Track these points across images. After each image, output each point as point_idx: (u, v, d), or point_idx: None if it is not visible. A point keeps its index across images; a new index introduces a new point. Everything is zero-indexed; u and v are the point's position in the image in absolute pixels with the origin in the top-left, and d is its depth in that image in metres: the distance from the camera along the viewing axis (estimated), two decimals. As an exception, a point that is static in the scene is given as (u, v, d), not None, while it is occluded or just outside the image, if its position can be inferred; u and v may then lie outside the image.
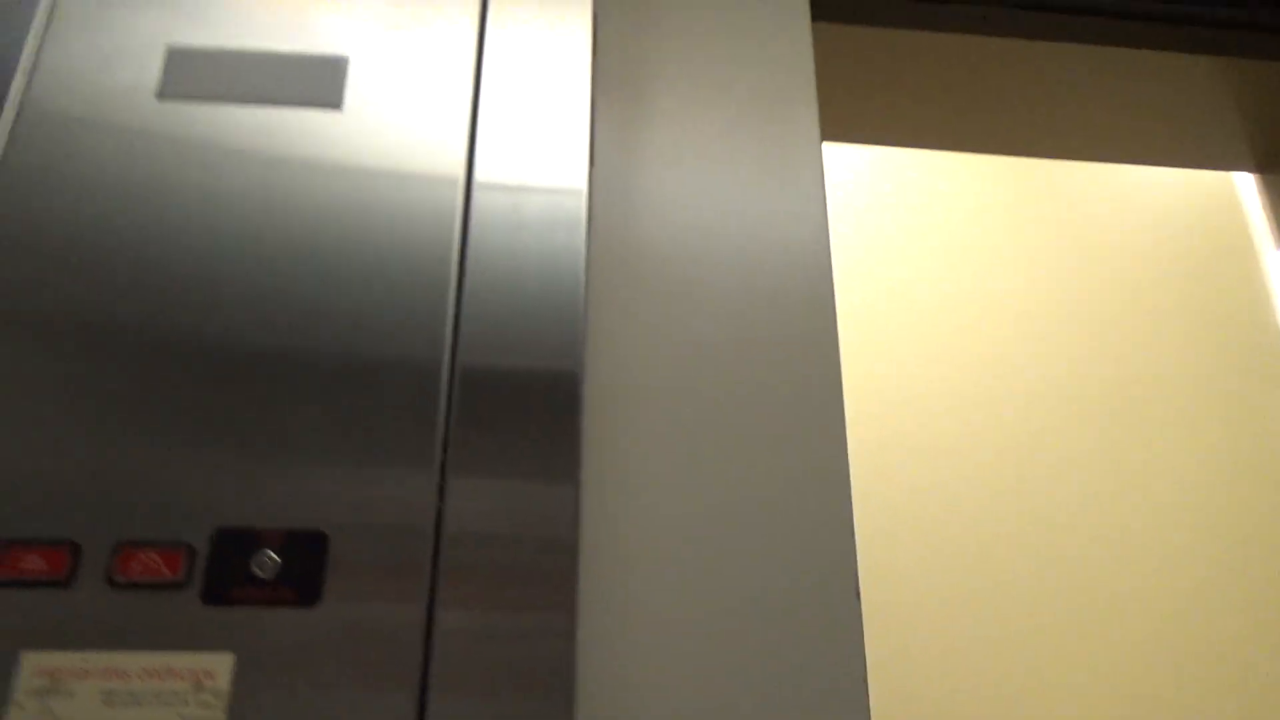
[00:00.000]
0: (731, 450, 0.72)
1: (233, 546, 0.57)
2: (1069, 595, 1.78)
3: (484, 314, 0.63)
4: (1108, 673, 1.70)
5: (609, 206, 0.81)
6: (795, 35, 0.91)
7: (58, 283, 0.61)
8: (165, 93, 0.68)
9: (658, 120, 0.86)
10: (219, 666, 0.54)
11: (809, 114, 0.88)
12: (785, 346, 0.76)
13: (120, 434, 0.59)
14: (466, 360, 0.62)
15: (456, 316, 0.63)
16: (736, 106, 0.88)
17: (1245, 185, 2.00)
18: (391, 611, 0.56)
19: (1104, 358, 1.95)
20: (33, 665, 0.53)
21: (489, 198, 0.67)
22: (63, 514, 0.57)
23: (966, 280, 1.94)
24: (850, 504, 0.71)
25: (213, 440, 0.59)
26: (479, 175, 0.68)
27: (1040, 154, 1.43)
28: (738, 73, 0.89)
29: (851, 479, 0.74)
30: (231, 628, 0.55)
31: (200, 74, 0.69)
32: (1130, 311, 1.99)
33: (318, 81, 0.69)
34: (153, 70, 0.68)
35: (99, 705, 0.52)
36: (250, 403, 0.60)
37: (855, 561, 0.68)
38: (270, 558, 0.56)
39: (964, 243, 2.00)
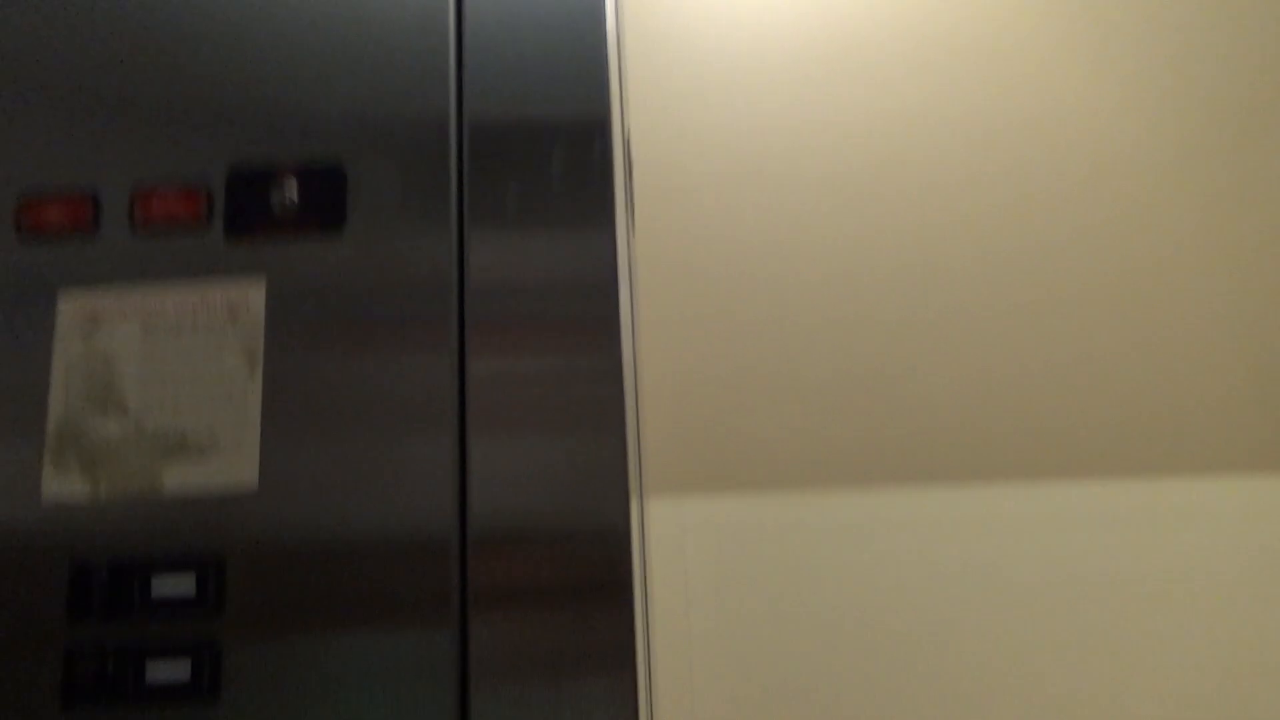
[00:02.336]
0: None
1: (250, 182, 0.55)
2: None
3: (491, 61, 0.57)
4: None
5: None
6: None
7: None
8: None
9: None
10: (251, 294, 0.53)
11: None
12: None
13: (128, 81, 0.56)
14: (476, 110, 0.57)
15: (459, 65, 0.57)
16: None
17: None
18: (419, 245, 0.54)
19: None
20: (71, 307, 0.53)
21: None
22: (76, 164, 0.55)
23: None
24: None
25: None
26: None
27: None
28: None
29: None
30: (258, 259, 0.54)
31: None
32: None
33: None
34: None
35: (140, 337, 0.52)
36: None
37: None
38: (289, 190, 0.54)
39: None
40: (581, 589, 0.50)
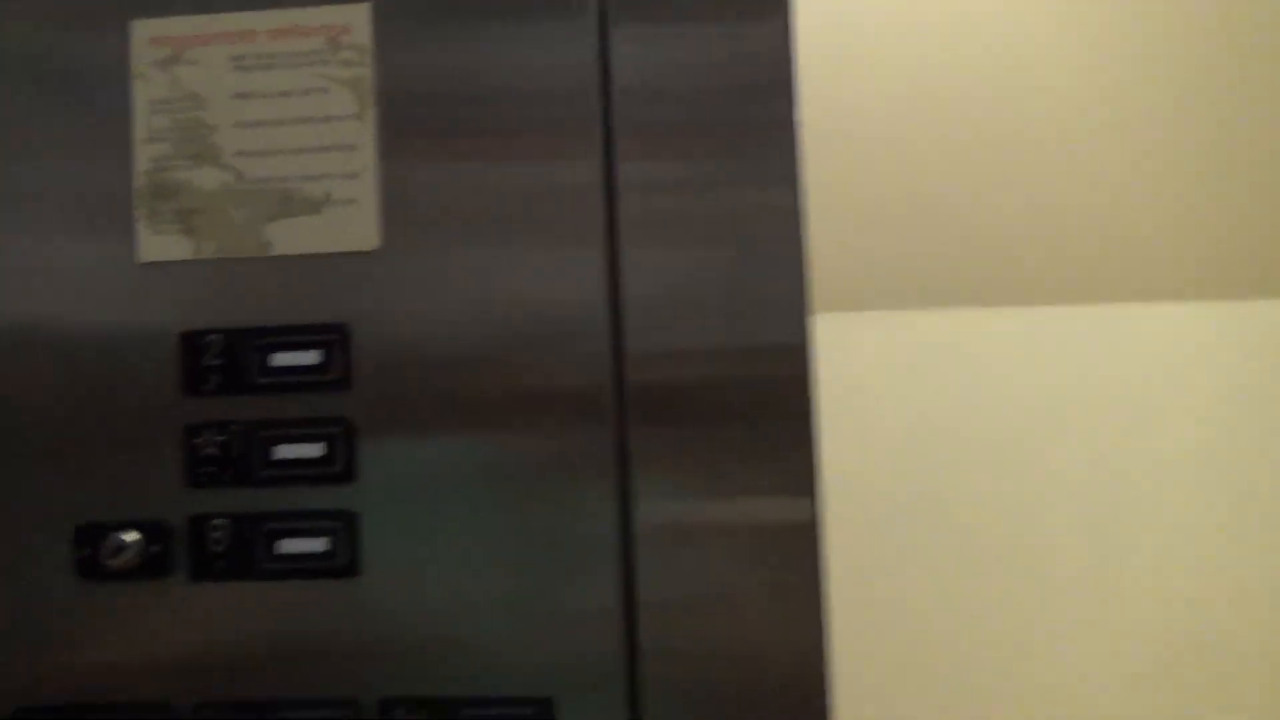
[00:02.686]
0: None
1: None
2: None
3: None
4: None
5: None
6: None
7: None
8: None
9: None
10: (356, 19, 0.44)
11: None
12: None
13: None
14: None
15: None
16: None
17: None
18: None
19: None
20: (147, 34, 0.45)
21: None
22: None
23: None
24: None
25: None
26: None
27: None
28: None
29: None
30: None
31: None
32: None
33: None
34: None
35: (229, 72, 0.44)
36: None
37: None
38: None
39: None
40: (753, 406, 0.44)
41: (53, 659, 0.45)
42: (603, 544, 0.44)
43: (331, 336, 0.44)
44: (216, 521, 0.44)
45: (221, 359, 0.44)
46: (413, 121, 0.45)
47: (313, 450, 0.44)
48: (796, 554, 0.43)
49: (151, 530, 0.45)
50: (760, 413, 0.44)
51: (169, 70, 0.44)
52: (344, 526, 0.44)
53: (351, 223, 0.44)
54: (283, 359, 0.44)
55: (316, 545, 0.44)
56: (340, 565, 0.44)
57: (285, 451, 0.44)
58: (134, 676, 0.45)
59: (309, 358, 0.44)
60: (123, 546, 0.44)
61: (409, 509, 0.44)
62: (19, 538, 0.46)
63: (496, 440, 0.44)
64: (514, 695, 0.44)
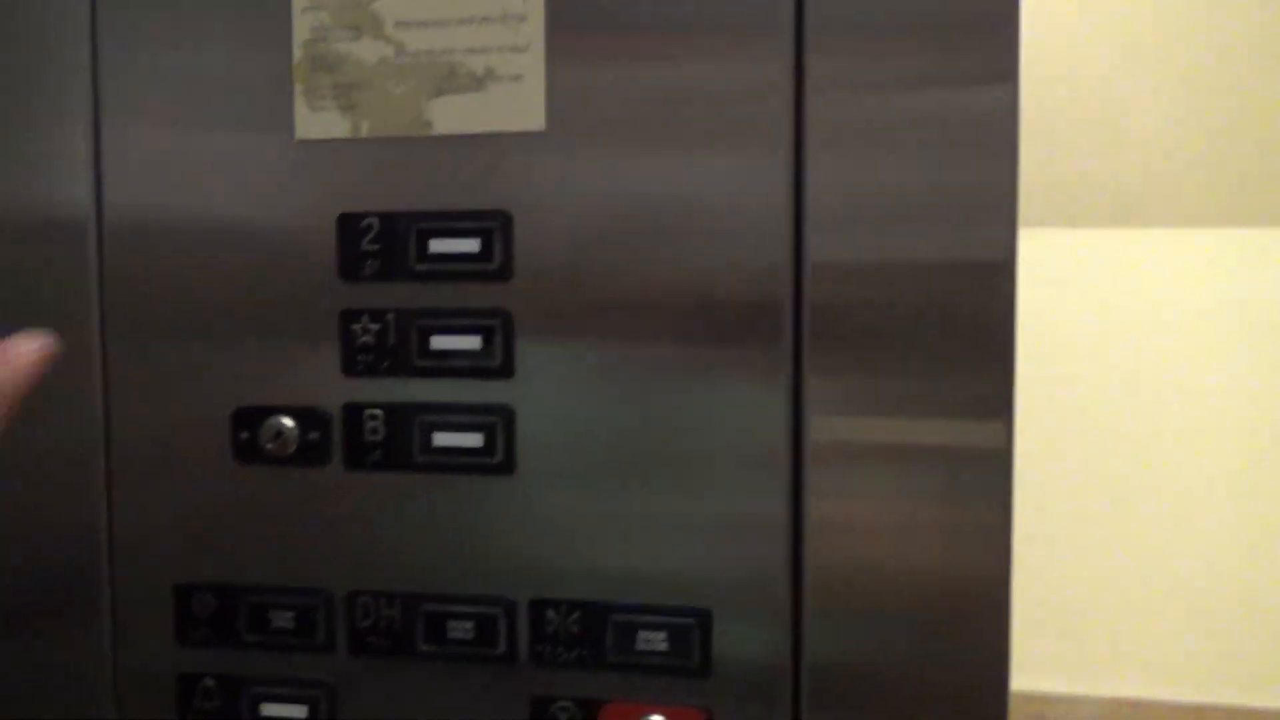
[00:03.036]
0: None
1: None
2: None
3: None
4: None
5: None
6: None
7: None
8: None
9: None
10: (523, -126, 0.40)
11: None
12: None
13: None
14: None
15: None
16: None
17: None
18: None
19: None
20: (304, -105, 0.42)
21: None
22: None
23: None
24: None
25: None
26: None
27: None
28: None
29: None
30: None
31: None
32: None
33: None
34: None
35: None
36: None
37: None
38: None
39: None
40: (947, 326, 0.40)
41: (211, 540, 0.46)
42: (771, 458, 0.41)
43: (493, 224, 0.42)
44: (371, 411, 0.43)
45: (379, 243, 0.43)
46: (586, 6, 0.41)
47: (470, 342, 0.42)
48: (984, 480, 0.40)
49: (308, 417, 0.44)
50: (955, 333, 0.40)
51: (326, -67, 0.42)
52: (501, 422, 0.42)
53: (517, 100, 0.41)
54: (441, 245, 0.42)
55: (472, 440, 0.43)
56: (496, 462, 0.43)
57: (442, 342, 0.43)
58: (288, 561, 0.45)
59: (469, 245, 0.42)
60: (281, 431, 0.44)
61: (568, 408, 0.43)
62: (179, 421, 0.46)
63: (663, 344, 0.41)
64: (670, 604, 0.42)
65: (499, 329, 0.42)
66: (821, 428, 0.41)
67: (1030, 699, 2.07)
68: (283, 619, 0.45)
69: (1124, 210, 2.02)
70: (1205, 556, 2.02)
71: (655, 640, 0.42)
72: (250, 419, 0.44)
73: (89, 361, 0.46)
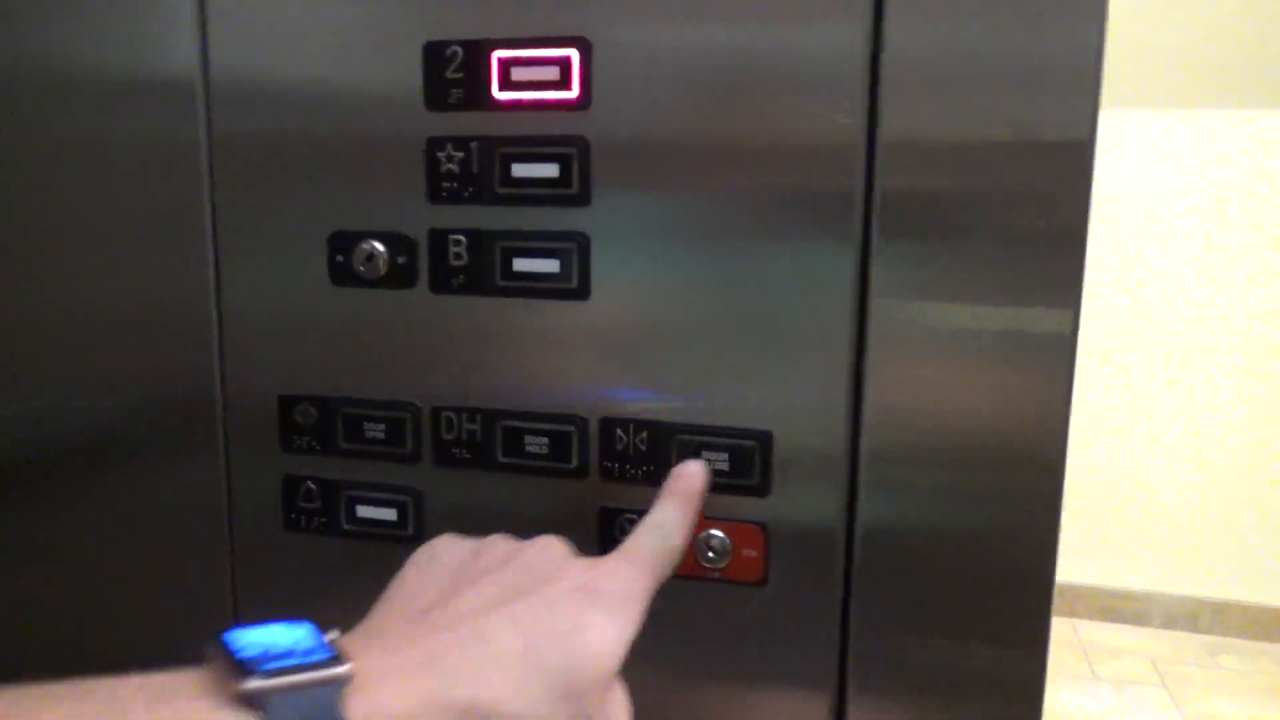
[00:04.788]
0: None
1: None
2: None
3: None
4: None
5: None
6: None
7: None
8: None
9: None
10: None
11: None
12: None
13: None
14: None
15: None
16: None
17: None
18: None
19: None
20: None
21: None
22: None
23: None
24: None
25: None
26: None
27: None
28: None
29: None
30: None
31: None
32: None
33: None
34: None
35: None
36: None
37: None
38: None
39: None
40: (1022, 203, 0.39)
41: (311, 357, 0.49)
42: (836, 308, 0.42)
43: (570, 50, 0.43)
44: (455, 237, 0.46)
45: (462, 71, 0.44)
46: None
47: (549, 170, 0.44)
48: (1048, 364, 0.40)
49: (397, 242, 0.47)
50: (1029, 214, 0.40)
51: None
52: (577, 249, 0.44)
53: (597, -74, 0.41)
54: (522, 74, 0.43)
55: (549, 266, 0.45)
56: (571, 287, 0.45)
57: (522, 170, 0.44)
58: (380, 377, 0.48)
59: (548, 73, 0.43)
60: (372, 254, 0.47)
61: (642, 241, 0.44)
62: (279, 245, 0.49)
63: (734, 199, 0.42)
64: (733, 425, 0.44)
65: (576, 157, 0.44)
66: (886, 306, 0.41)
67: (1103, 593, 2.07)
68: (375, 430, 0.48)
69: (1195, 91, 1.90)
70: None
71: (717, 460, 0.44)
72: (344, 244, 0.47)
73: (200, 211, 0.49)
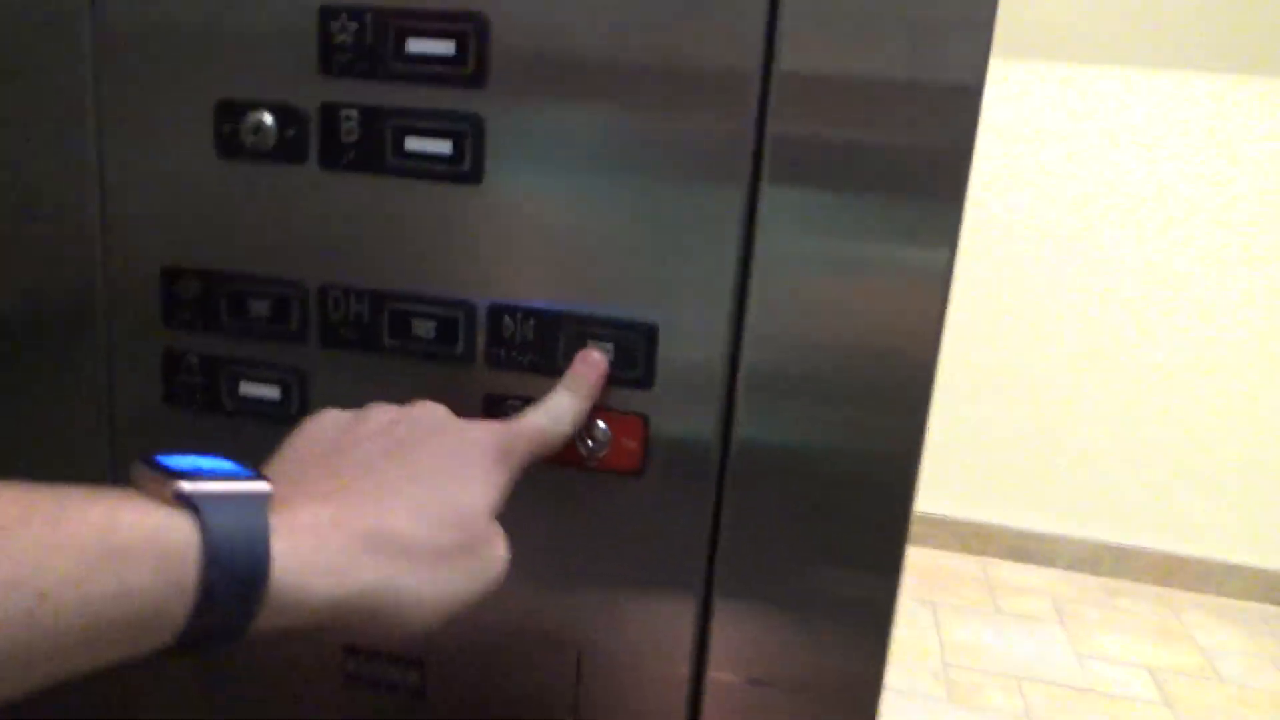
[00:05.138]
0: None
1: None
2: None
3: None
4: None
5: None
6: None
7: None
8: None
9: None
10: None
11: None
12: None
13: None
14: None
15: None
16: None
17: None
18: None
19: None
20: None
21: None
22: None
23: None
24: None
25: None
26: None
27: None
28: None
29: None
30: None
31: None
32: None
33: None
34: None
35: None
36: None
37: None
38: None
39: None
40: (913, 150, 0.39)
41: (196, 230, 0.48)
42: (724, 220, 0.42)
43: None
44: (347, 111, 0.45)
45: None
46: None
47: (445, 48, 0.43)
48: (924, 297, 0.41)
49: (287, 114, 0.45)
50: (915, 154, 0.40)
51: None
52: (471, 130, 0.44)
53: None
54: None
55: (442, 147, 0.44)
56: (464, 170, 0.44)
57: (418, 46, 0.43)
58: (265, 253, 0.47)
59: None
60: (261, 126, 0.45)
61: (537, 125, 0.43)
62: (164, 114, 0.47)
63: (634, 98, 0.42)
64: (620, 317, 0.44)
65: (473, 34, 0.43)
66: (772, 233, 0.42)
67: (1013, 534, 2.15)
68: (260, 307, 0.48)
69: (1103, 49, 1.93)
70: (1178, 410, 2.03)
71: (603, 350, 0.45)
72: (232, 113, 0.46)
73: (81, 81, 0.47)
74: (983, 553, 2.14)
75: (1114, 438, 2.04)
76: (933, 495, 2.14)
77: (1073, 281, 2.00)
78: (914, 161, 0.40)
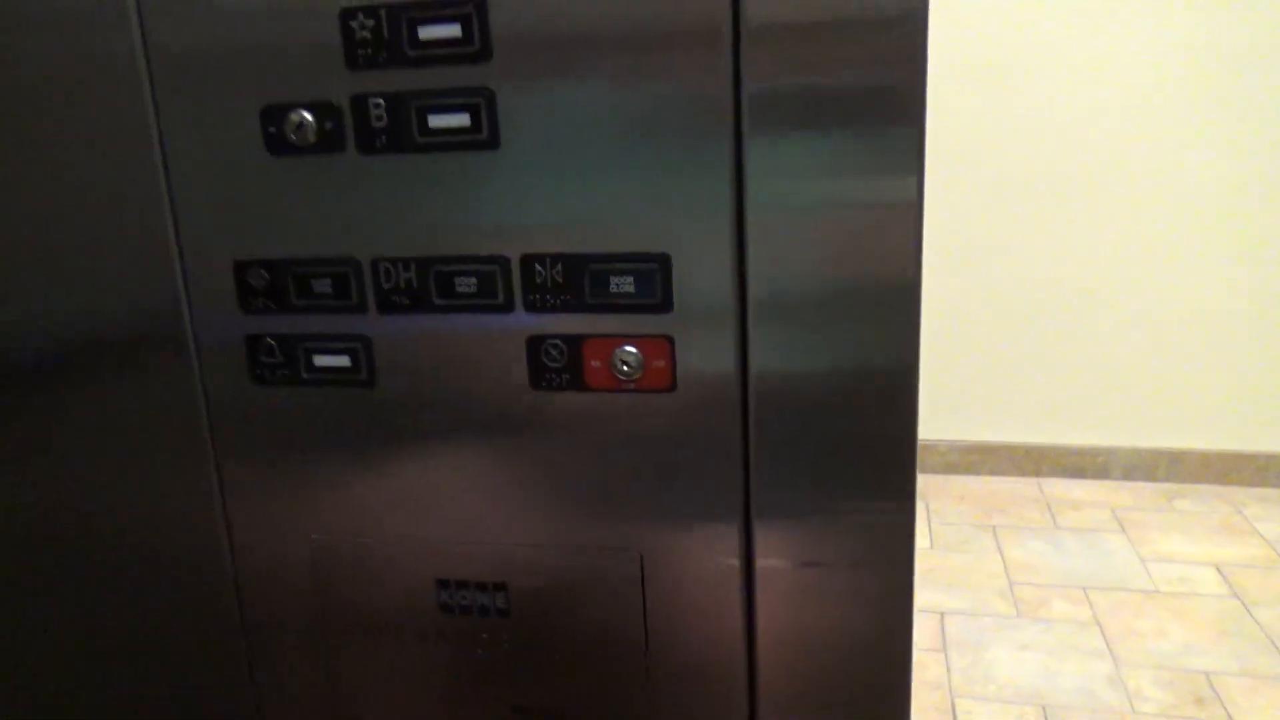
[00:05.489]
0: None
1: None
2: None
3: None
4: None
5: None
6: None
7: None
8: None
9: None
10: None
11: None
12: None
13: None
14: None
15: None
16: None
17: None
18: None
19: None
20: None
21: None
22: None
23: None
24: None
25: None
26: None
27: None
28: None
29: None
30: None
31: None
32: None
33: None
34: None
35: None
36: None
37: None
38: None
39: None
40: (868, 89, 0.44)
41: (256, 223, 0.54)
42: (718, 153, 0.47)
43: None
44: (375, 100, 0.50)
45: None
46: None
47: (452, 30, 0.48)
48: (897, 225, 0.46)
49: (322, 109, 0.51)
50: (873, 90, 0.44)
51: None
52: (484, 102, 0.49)
53: None
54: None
55: (461, 120, 0.50)
56: (483, 138, 0.50)
57: (429, 32, 0.49)
58: (321, 236, 0.53)
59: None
60: (302, 123, 0.51)
61: (541, 91, 0.49)
62: (219, 126, 0.53)
63: (624, 63, 0.47)
64: (636, 251, 0.50)
65: (474, 15, 0.48)
66: (759, 176, 0.46)
67: (1066, 452, 2.17)
68: (322, 285, 0.54)
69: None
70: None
71: (624, 283, 0.50)
72: (275, 114, 0.52)
73: (143, 109, 0.53)
74: (1036, 473, 2.17)
75: (1153, 343, 2.05)
76: (984, 422, 2.17)
77: (1100, 187, 2.00)
78: (873, 97, 0.45)
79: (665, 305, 0.50)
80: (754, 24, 0.45)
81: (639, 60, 0.47)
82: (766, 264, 0.48)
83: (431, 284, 0.52)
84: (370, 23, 0.49)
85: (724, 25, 0.46)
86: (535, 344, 0.52)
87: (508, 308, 0.52)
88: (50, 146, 0.55)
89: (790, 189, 0.47)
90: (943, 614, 1.63)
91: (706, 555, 0.53)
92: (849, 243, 0.47)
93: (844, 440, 0.50)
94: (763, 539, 0.52)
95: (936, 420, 2.24)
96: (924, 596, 1.69)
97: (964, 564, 1.84)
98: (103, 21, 0.53)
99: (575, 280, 0.51)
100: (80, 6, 0.53)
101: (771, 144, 0.46)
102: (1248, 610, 1.67)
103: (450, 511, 0.56)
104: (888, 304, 0.47)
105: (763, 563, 0.53)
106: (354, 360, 0.55)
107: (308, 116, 0.51)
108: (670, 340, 0.50)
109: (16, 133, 0.55)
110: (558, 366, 0.52)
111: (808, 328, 0.48)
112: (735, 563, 0.53)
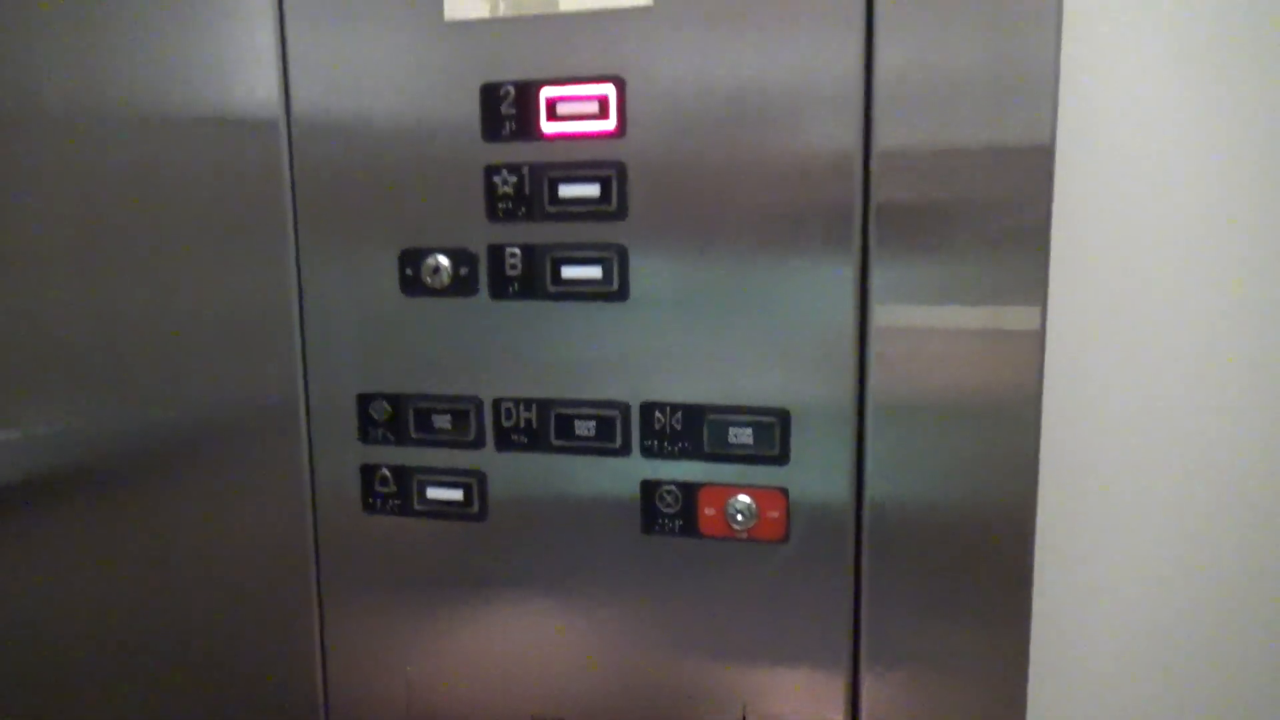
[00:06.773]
0: None
1: None
2: None
3: None
4: None
5: None
6: None
7: None
8: None
9: None
10: None
11: None
12: None
13: None
14: None
15: None
16: None
17: None
18: None
19: None
20: None
21: None
22: None
23: None
24: None
25: None
26: None
27: None
28: None
29: None
30: None
31: None
32: None
33: None
34: None
35: None
36: None
37: None
38: None
39: None
40: (993, 211, 0.46)
41: (382, 358, 0.56)
42: (838, 303, 0.49)
43: (608, 87, 0.50)
44: (511, 250, 0.53)
45: (514, 108, 0.52)
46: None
47: (591, 190, 0.51)
48: (1020, 353, 0.47)
49: (460, 256, 0.54)
50: (997, 219, 0.47)
51: None
52: (617, 257, 0.51)
53: (629, -18, 0.48)
54: (566, 108, 0.51)
55: (593, 272, 0.52)
56: (613, 290, 0.52)
57: (569, 191, 0.52)
58: (445, 374, 0.55)
59: (589, 107, 0.50)
60: (438, 267, 0.54)
61: (673, 250, 0.51)
62: (355, 261, 0.56)
63: (751, 203, 0.49)
64: (756, 404, 0.51)
65: (614, 179, 0.51)
66: (884, 309, 0.48)
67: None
68: (442, 420, 0.55)
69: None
70: None
71: (742, 434, 0.51)
72: (413, 258, 0.54)
73: (284, 232, 0.56)
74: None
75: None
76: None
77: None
78: (1000, 224, 0.47)
79: (783, 458, 0.51)
80: (882, 202, 0.48)
81: (765, 236, 0.49)
82: (884, 421, 0.49)
83: (551, 424, 0.54)
84: (513, 179, 0.52)
85: (854, 207, 0.48)
86: (650, 489, 0.53)
87: (625, 451, 0.53)
88: (196, 258, 0.58)
89: (912, 348, 0.48)
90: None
91: (811, 708, 0.53)
92: (971, 371, 0.48)
93: (958, 589, 0.50)
94: (870, 693, 0.52)
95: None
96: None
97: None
98: (255, 140, 0.56)
99: (693, 428, 0.52)
100: (233, 121, 0.56)
101: (888, 312, 0.48)
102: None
103: (551, 651, 0.56)
104: (1005, 442, 0.48)
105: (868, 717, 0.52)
106: (466, 494, 0.56)
107: (444, 261, 0.54)
108: (785, 492, 0.51)
109: (165, 237, 0.58)
110: (671, 513, 0.53)
111: (926, 476, 0.49)
112: (839, 718, 0.53)
